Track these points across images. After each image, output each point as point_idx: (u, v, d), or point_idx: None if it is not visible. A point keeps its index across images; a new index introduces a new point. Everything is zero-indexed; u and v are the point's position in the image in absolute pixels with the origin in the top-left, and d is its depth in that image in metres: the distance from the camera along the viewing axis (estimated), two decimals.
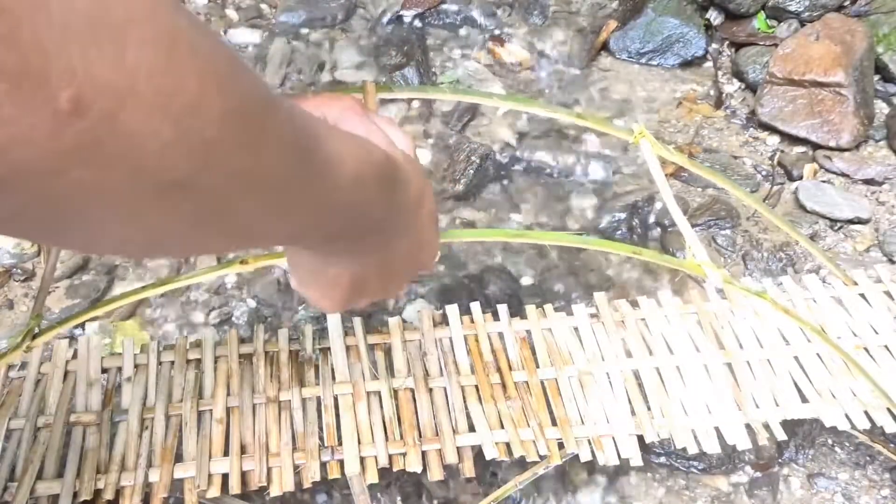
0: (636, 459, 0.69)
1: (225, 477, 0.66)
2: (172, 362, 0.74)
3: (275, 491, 0.66)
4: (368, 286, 0.44)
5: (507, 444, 0.68)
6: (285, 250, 0.46)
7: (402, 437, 0.68)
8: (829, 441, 0.84)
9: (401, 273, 0.46)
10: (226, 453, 0.67)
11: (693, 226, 0.97)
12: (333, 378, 0.72)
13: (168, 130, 0.22)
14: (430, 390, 0.72)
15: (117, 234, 0.26)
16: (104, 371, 0.73)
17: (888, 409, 0.71)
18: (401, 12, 1.36)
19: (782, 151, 1.16)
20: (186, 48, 0.23)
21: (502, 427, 0.69)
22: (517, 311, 0.79)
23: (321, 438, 0.68)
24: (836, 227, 1.05)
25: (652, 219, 1.05)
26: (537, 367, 0.74)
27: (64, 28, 0.20)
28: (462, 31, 1.34)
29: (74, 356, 0.74)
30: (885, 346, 0.77)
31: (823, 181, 1.11)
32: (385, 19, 1.36)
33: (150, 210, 0.24)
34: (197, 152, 0.24)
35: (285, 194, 0.29)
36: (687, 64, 1.29)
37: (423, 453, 0.68)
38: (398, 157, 0.39)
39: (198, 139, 0.23)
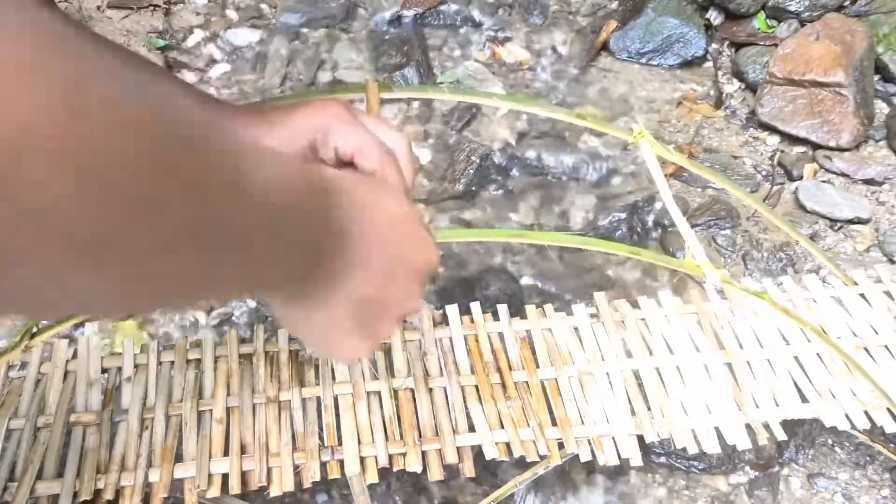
0: (636, 459, 0.69)
1: (225, 477, 0.66)
2: (172, 362, 0.74)
3: (275, 491, 0.66)
4: (374, 310, 0.40)
5: (507, 444, 0.68)
6: (281, 322, 0.42)
7: (402, 437, 0.68)
8: (829, 441, 0.84)
9: (397, 285, 0.41)
10: (226, 453, 0.67)
11: (693, 226, 0.97)
12: (333, 378, 0.72)
13: (70, 185, 0.20)
14: (430, 390, 0.72)
15: (40, 298, 0.23)
16: (104, 371, 0.73)
17: (888, 409, 0.71)
18: (401, 12, 1.36)
19: (782, 151, 1.16)
20: (81, 100, 0.21)
21: (502, 427, 0.69)
22: (517, 311, 0.79)
23: (321, 438, 0.68)
24: (836, 227, 1.05)
25: (652, 219, 1.05)
26: (537, 367, 0.74)
27: None
28: (462, 31, 1.34)
29: (74, 356, 0.74)
30: (885, 346, 0.77)
31: (823, 181, 1.11)
32: (385, 19, 1.36)
33: (70, 270, 0.22)
34: (108, 207, 0.22)
35: (217, 239, 0.27)
36: (687, 64, 1.29)
37: (423, 453, 0.68)
38: (332, 177, 0.35)
39: (106, 193, 0.21)
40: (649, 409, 0.72)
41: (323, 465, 0.67)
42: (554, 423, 0.70)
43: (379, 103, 0.65)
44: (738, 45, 1.30)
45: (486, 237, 0.72)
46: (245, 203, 0.28)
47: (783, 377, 0.74)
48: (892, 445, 0.79)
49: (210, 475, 0.66)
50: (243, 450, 0.67)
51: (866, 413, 0.71)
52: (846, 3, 1.28)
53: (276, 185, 0.30)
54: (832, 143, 1.13)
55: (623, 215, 1.05)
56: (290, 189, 0.31)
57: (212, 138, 0.26)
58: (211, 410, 0.70)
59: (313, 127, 0.43)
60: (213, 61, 1.29)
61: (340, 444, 0.68)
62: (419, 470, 0.67)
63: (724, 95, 1.25)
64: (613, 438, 0.70)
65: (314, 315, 0.38)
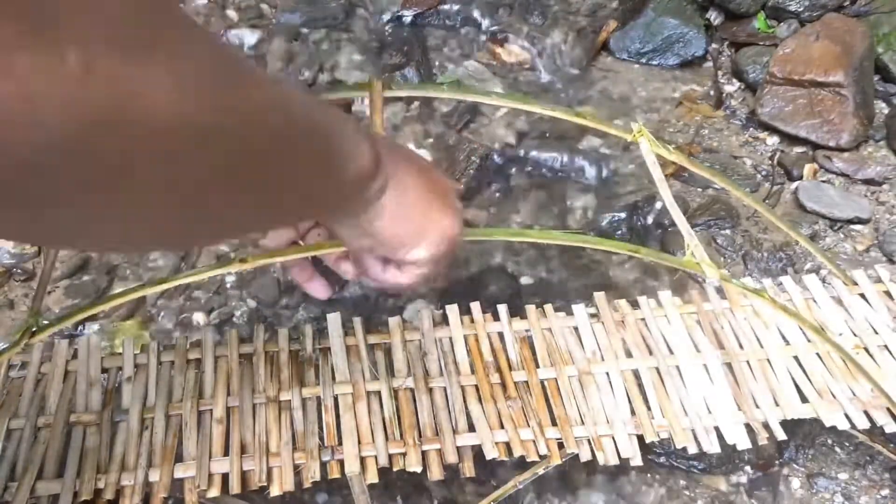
0: (636, 459, 0.69)
1: (225, 477, 0.66)
2: (172, 362, 0.74)
3: (275, 491, 0.66)
4: (435, 188, 0.48)
5: (507, 444, 0.68)
6: (359, 247, 0.50)
7: (402, 437, 0.68)
8: (829, 441, 0.84)
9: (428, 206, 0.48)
10: (226, 453, 0.67)
11: (693, 226, 0.97)
12: (333, 378, 0.72)
13: (165, 70, 0.23)
14: (430, 390, 0.72)
15: (150, 216, 0.27)
16: (104, 371, 0.73)
17: (888, 409, 0.71)
18: (401, 12, 1.36)
19: (782, 151, 1.16)
20: (169, 17, 0.24)
21: (502, 427, 0.69)
22: (517, 311, 0.79)
23: (321, 438, 0.68)
24: (835, 227, 1.05)
25: (652, 219, 1.05)
26: (537, 367, 0.74)
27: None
28: (462, 31, 1.34)
29: (74, 356, 0.74)
30: (885, 346, 0.77)
31: (823, 181, 1.11)
32: (385, 19, 1.36)
33: (179, 171, 0.26)
34: (204, 93, 0.25)
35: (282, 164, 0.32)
36: (687, 64, 1.29)
37: (423, 453, 0.68)
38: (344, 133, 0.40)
39: (197, 80, 0.25)
40: (649, 409, 0.72)
41: (323, 465, 0.67)
42: (554, 423, 0.70)
43: (382, 102, 0.65)
44: (738, 45, 1.30)
45: (486, 236, 0.72)
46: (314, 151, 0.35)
47: (783, 377, 0.74)
48: (892, 445, 0.79)
49: (210, 475, 0.66)
50: (243, 450, 0.67)
51: (866, 413, 0.71)
52: (846, 3, 1.28)
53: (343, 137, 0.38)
54: (832, 143, 1.13)
55: (623, 215, 1.04)
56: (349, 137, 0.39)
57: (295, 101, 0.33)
58: (211, 410, 0.70)
59: None
60: None
61: (340, 444, 0.68)
62: (419, 470, 0.67)
63: (724, 95, 1.25)
64: (613, 438, 0.70)
65: (393, 210, 0.45)
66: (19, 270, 0.97)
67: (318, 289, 0.62)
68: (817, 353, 0.76)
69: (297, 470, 0.67)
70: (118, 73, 0.21)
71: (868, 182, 1.11)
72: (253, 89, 0.30)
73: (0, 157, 0.20)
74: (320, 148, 0.37)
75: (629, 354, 0.76)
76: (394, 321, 0.77)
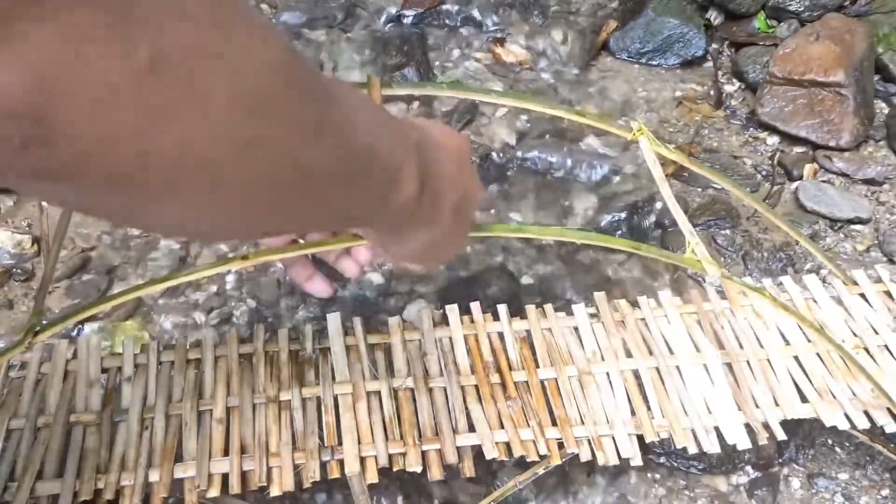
0: (636, 459, 0.69)
1: (225, 477, 0.66)
2: (172, 362, 0.74)
3: (275, 491, 0.66)
4: (463, 209, 0.48)
5: (507, 444, 0.68)
6: (388, 254, 0.51)
7: (402, 437, 0.68)
8: (829, 441, 0.84)
9: (470, 184, 0.50)
10: (226, 453, 0.67)
11: (693, 226, 0.97)
12: (333, 378, 0.72)
13: (229, 81, 0.24)
14: (430, 390, 0.72)
15: (207, 203, 0.27)
16: (104, 371, 0.73)
17: (888, 409, 0.71)
18: (401, 12, 1.36)
19: (782, 151, 1.16)
20: (236, 11, 0.24)
21: (502, 427, 0.69)
22: (517, 311, 0.79)
23: (321, 438, 0.68)
24: (836, 227, 1.05)
25: (652, 219, 1.05)
26: (537, 367, 0.74)
27: None
28: (462, 31, 1.34)
29: (74, 356, 0.74)
30: (885, 346, 0.77)
31: (823, 181, 1.11)
32: (385, 19, 1.36)
33: (232, 166, 0.26)
34: (254, 103, 0.26)
35: (336, 147, 0.32)
36: (687, 64, 1.29)
37: (423, 453, 0.68)
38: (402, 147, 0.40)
39: (253, 91, 0.25)
40: (649, 409, 0.72)
41: (323, 465, 0.67)
42: (554, 423, 0.70)
43: (381, 100, 0.65)
44: (738, 45, 1.30)
45: (486, 233, 0.72)
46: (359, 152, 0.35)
47: (783, 377, 0.74)
48: (892, 445, 0.79)
49: (210, 475, 0.66)
50: (243, 450, 0.67)
51: (866, 413, 0.71)
52: (846, 3, 1.28)
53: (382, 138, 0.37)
54: (832, 143, 1.13)
55: (623, 215, 1.04)
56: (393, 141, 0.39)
57: (344, 101, 0.33)
58: (211, 410, 0.70)
59: None
60: None
61: (340, 444, 0.68)
62: (419, 470, 0.67)
63: (724, 95, 1.25)
64: (613, 438, 0.70)
65: (421, 232, 0.46)
66: (19, 270, 0.97)
67: (319, 288, 0.63)
68: (817, 353, 0.76)
69: (297, 470, 0.66)
70: (183, 74, 0.22)
71: (868, 182, 1.11)
72: (321, 105, 0.30)
73: (58, 136, 0.21)
74: (372, 177, 0.37)
75: (629, 354, 0.76)
76: (394, 321, 0.77)
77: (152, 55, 0.21)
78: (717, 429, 0.70)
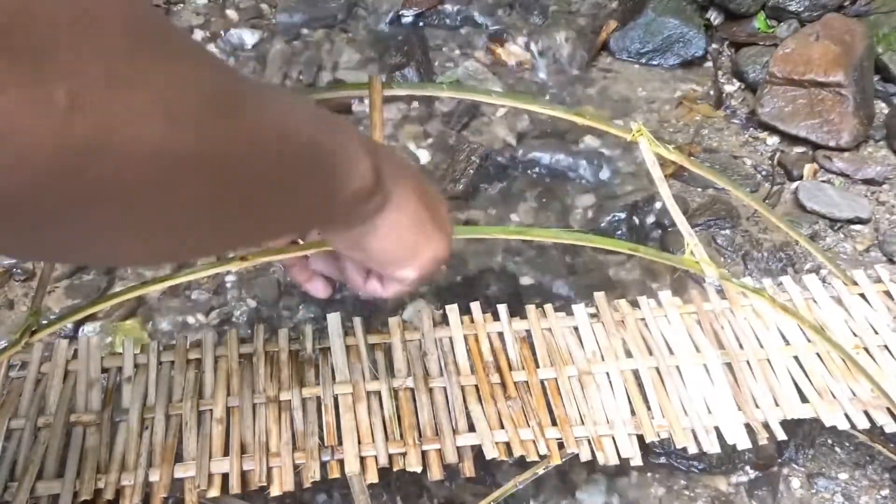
0: (636, 459, 0.69)
1: (225, 477, 0.66)
2: (172, 362, 0.74)
3: (275, 491, 0.66)
4: (429, 208, 0.48)
5: (507, 444, 0.68)
6: (356, 256, 0.50)
7: (402, 437, 0.68)
8: (829, 441, 0.84)
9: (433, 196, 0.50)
10: (226, 453, 0.67)
11: (693, 226, 0.97)
12: (333, 378, 0.72)
13: (154, 106, 0.24)
14: (430, 390, 0.72)
15: (141, 237, 0.27)
16: (104, 371, 0.73)
17: (888, 409, 0.71)
18: (401, 12, 1.36)
19: (782, 151, 1.16)
20: (159, 39, 0.25)
21: (502, 427, 0.69)
22: (517, 311, 0.79)
23: (321, 438, 0.68)
24: (836, 227, 1.05)
25: (652, 219, 1.05)
26: (537, 367, 0.74)
27: (54, 27, 0.20)
28: (462, 31, 1.34)
29: (74, 356, 0.74)
30: (885, 346, 0.77)
31: (823, 181, 1.11)
32: (385, 19, 1.36)
33: (172, 197, 0.26)
34: (192, 124, 0.25)
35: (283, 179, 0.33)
36: (687, 64, 1.29)
37: (423, 453, 0.68)
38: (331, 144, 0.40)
39: (186, 112, 0.25)
40: (649, 409, 0.72)
41: (323, 465, 0.67)
42: (554, 423, 0.70)
43: (382, 100, 0.65)
44: (738, 45, 1.30)
45: (484, 234, 0.72)
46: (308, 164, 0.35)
47: (783, 377, 0.74)
48: (892, 445, 0.79)
49: (210, 475, 0.66)
50: (243, 450, 0.67)
51: (866, 413, 0.71)
52: (846, 3, 1.28)
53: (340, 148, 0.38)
54: (832, 143, 1.13)
55: (623, 215, 1.04)
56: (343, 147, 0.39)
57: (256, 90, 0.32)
58: (211, 410, 0.70)
59: None
60: None
61: (340, 444, 0.68)
62: (419, 470, 0.67)
63: (724, 95, 1.25)
64: (613, 438, 0.70)
65: (387, 230, 0.46)
66: (19, 270, 0.97)
67: (319, 288, 0.63)
68: (817, 353, 0.76)
69: (297, 470, 0.67)
70: (105, 107, 0.22)
71: (868, 182, 1.11)
72: (251, 115, 0.30)
73: None
74: (320, 170, 0.37)
75: (629, 354, 0.76)
76: (394, 321, 0.77)
77: (71, 93, 0.21)
78: (717, 429, 0.71)
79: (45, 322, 0.68)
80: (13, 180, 0.21)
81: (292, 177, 0.34)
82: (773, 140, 1.18)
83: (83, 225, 0.25)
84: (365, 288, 0.55)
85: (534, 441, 0.69)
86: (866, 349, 0.76)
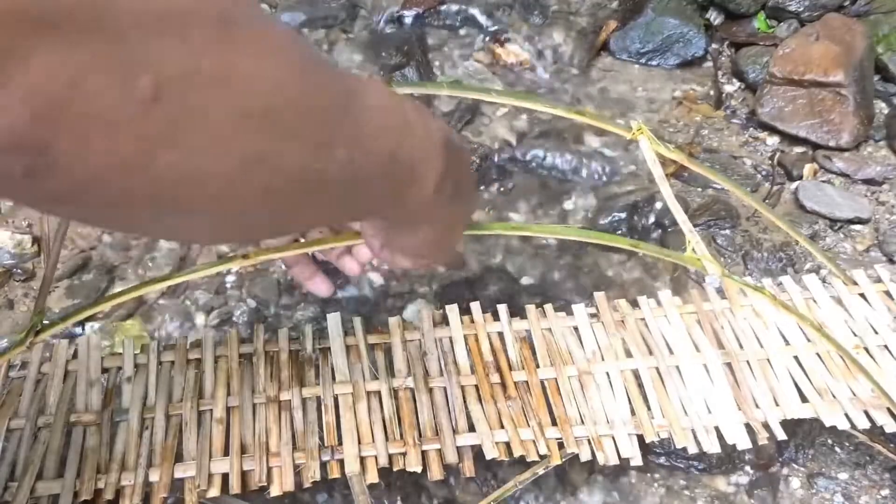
0: (636, 459, 0.69)
1: (225, 477, 0.66)
2: (172, 362, 0.74)
3: (275, 491, 0.66)
4: (461, 209, 0.50)
5: (507, 444, 0.68)
6: (385, 250, 0.50)
7: (402, 437, 0.68)
8: (829, 441, 0.84)
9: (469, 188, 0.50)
10: (226, 453, 0.67)
11: (693, 226, 0.97)
12: (333, 378, 0.72)
13: (233, 102, 0.24)
14: (430, 390, 0.72)
15: (214, 214, 0.28)
16: (104, 371, 0.73)
17: (888, 409, 0.71)
18: (401, 12, 1.36)
19: (782, 151, 1.16)
20: (242, 30, 0.24)
21: (502, 427, 0.69)
22: (517, 311, 0.79)
23: (321, 438, 0.68)
24: (836, 227, 1.05)
25: (652, 219, 1.05)
26: (537, 367, 0.74)
27: (145, 18, 0.21)
28: (462, 31, 1.34)
29: (74, 356, 0.74)
30: (885, 346, 0.77)
31: (823, 181, 1.11)
32: (385, 19, 1.36)
33: (239, 180, 0.26)
34: (261, 120, 0.25)
35: (350, 151, 0.32)
36: (687, 64, 1.29)
37: (423, 453, 0.68)
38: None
39: (260, 108, 0.25)
40: (649, 409, 0.72)
41: (323, 465, 0.67)
42: (554, 423, 0.70)
43: None
44: (738, 45, 1.30)
45: (485, 231, 0.72)
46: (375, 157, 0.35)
47: (783, 377, 0.74)
48: (892, 445, 0.79)
49: (210, 475, 0.66)
50: (243, 450, 0.67)
51: (866, 413, 0.71)
52: (846, 3, 1.28)
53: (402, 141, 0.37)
54: (832, 143, 1.13)
55: (623, 215, 1.04)
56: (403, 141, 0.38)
57: (353, 106, 0.32)
58: (211, 410, 0.70)
59: None
60: None
61: (340, 443, 0.68)
62: (419, 470, 0.67)
63: (724, 95, 1.25)
64: (613, 438, 0.70)
65: (427, 227, 0.47)
66: (19, 270, 0.97)
67: (320, 286, 0.63)
68: (817, 353, 0.76)
69: (297, 470, 0.67)
70: (184, 101, 0.22)
71: (868, 182, 1.11)
72: (330, 129, 0.30)
73: (60, 167, 0.21)
74: (397, 180, 0.37)
75: (629, 354, 0.76)
76: (394, 321, 0.77)
77: (155, 83, 0.21)
78: (717, 429, 0.71)
79: (47, 322, 0.68)
80: (91, 162, 0.21)
81: (362, 181, 0.34)
82: (773, 140, 1.18)
83: (147, 211, 0.25)
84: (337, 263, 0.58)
85: (534, 441, 0.69)
86: (866, 349, 0.76)
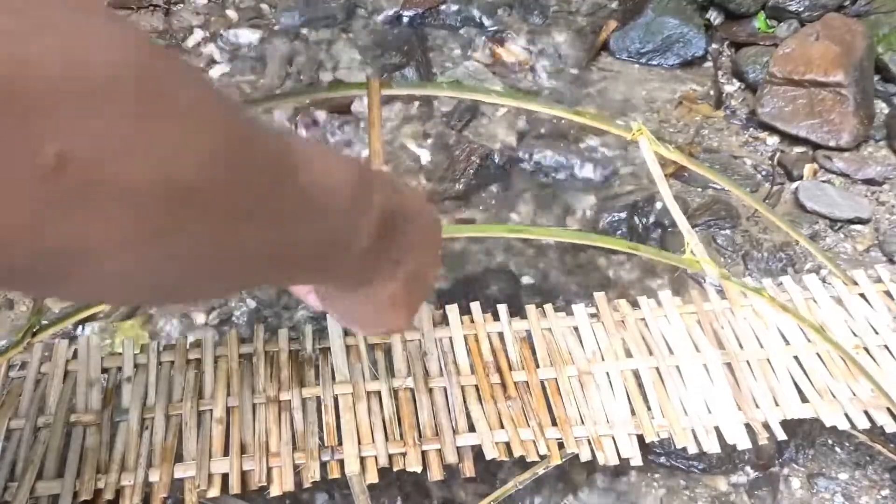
0: (636, 459, 0.69)
1: (225, 477, 0.66)
2: (172, 362, 0.74)
3: (275, 491, 0.66)
4: (417, 285, 0.46)
5: (507, 444, 0.68)
6: (328, 308, 0.48)
7: (402, 437, 0.68)
8: (829, 441, 0.84)
9: (432, 261, 0.47)
10: (226, 453, 0.67)
11: (693, 226, 0.97)
12: (333, 378, 0.72)
13: (149, 177, 0.23)
14: (430, 390, 0.72)
15: (116, 283, 0.26)
16: (104, 371, 0.73)
17: (888, 409, 0.71)
18: (401, 12, 1.36)
19: (782, 151, 1.16)
20: (164, 101, 0.23)
21: (502, 427, 0.69)
22: (517, 311, 0.79)
23: (321, 438, 0.68)
24: (836, 227, 1.05)
25: (652, 219, 1.05)
26: (537, 367, 0.74)
27: (47, 87, 0.20)
28: (462, 31, 1.34)
29: (74, 356, 0.74)
30: (885, 346, 0.77)
31: (823, 181, 1.11)
32: (385, 19, 1.36)
33: (146, 254, 0.25)
34: (179, 197, 0.24)
35: (271, 231, 0.30)
36: (687, 64, 1.29)
37: (423, 453, 0.68)
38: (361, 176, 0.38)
39: (179, 185, 0.24)
40: (649, 409, 0.72)
41: (323, 465, 0.67)
42: (554, 423, 0.70)
43: (380, 101, 0.65)
44: (738, 45, 1.30)
45: (483, 232, 0.72)
46: (313, 215, 0.33)
47: (783, 377, 0.74)
48: (892, 445, 0.79)
49: (210, 475, 0.66)
50: (243, 450, 0.67)
51: (866, 413, 0.71)
52: (846, 3, 1.28)
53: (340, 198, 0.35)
54: (832, 143, 1.13)
55: (623, 215, 1.04)
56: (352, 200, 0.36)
57: (266, 136, 0.30)
58: (211, 410, 0.70)
59: None
60: (213, 61, 1.29)
61: (340, 444, 0.68)
62: (419, 470, 0.67)
63: (724, 95, 1.25)
64: (613, 438, 0.70)
65: (365, 299, 0.44)
66: None
67: (316, 302, 0.62)
68: (817, 353, 0.76)
69: (297, 470, 0.66)
70: (91, 169, 0.21)
71: (868, 182, 1.11)
72: (265, 191, 0.29)
73: None
74: (316, 251, 0.35)
75: (629, 354, 0.76)
76: None
77: (58, 153, 0.20)
78: (717, 429, 0.70)
79: (46, 322, 0.68)
80: None
81: (287, 255, 0.33)
82: (773, 140, 1.18)
83: (46, 280, 0.24)
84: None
85: (534, 441, 0.69)
86: (866, 349, 0.76)
